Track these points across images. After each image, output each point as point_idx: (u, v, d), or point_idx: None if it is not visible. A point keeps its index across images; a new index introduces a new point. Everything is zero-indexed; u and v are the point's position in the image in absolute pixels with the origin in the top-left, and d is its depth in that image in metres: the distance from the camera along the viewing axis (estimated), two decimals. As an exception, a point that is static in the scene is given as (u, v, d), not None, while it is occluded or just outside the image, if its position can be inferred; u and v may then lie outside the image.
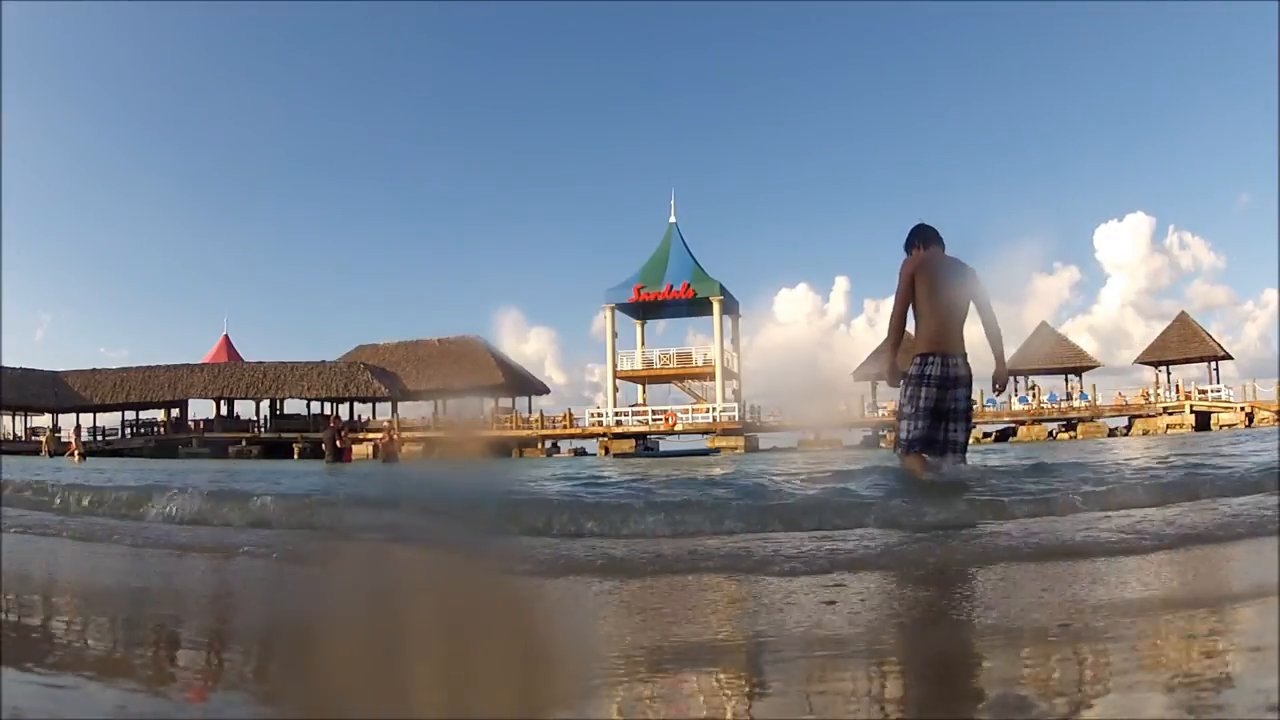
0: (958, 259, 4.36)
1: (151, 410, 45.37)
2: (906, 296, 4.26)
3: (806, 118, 76.09)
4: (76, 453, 27.15)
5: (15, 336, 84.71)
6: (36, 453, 34.58)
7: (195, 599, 2.30)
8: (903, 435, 4.23)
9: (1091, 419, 37.93)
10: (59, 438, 37.01)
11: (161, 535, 3.45)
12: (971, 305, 4.31)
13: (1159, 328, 43.77)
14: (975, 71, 74.40)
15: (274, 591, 2.47)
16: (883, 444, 37.71)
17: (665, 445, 39.10)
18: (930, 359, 4.14)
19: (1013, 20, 69.99)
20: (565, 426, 41.52)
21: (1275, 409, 34.32)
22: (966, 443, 4.25)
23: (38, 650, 1.55)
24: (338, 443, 18.42)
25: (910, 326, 4.43)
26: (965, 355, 4.19)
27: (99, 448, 38.00)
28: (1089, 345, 43.71)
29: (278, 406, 45.48)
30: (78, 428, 37.51)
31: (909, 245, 4.41)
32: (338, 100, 78.83)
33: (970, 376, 4.21)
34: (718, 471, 8.54)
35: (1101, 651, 1.40)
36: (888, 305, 4.80)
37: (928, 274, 4.23)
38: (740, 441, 36.46)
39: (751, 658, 1.54)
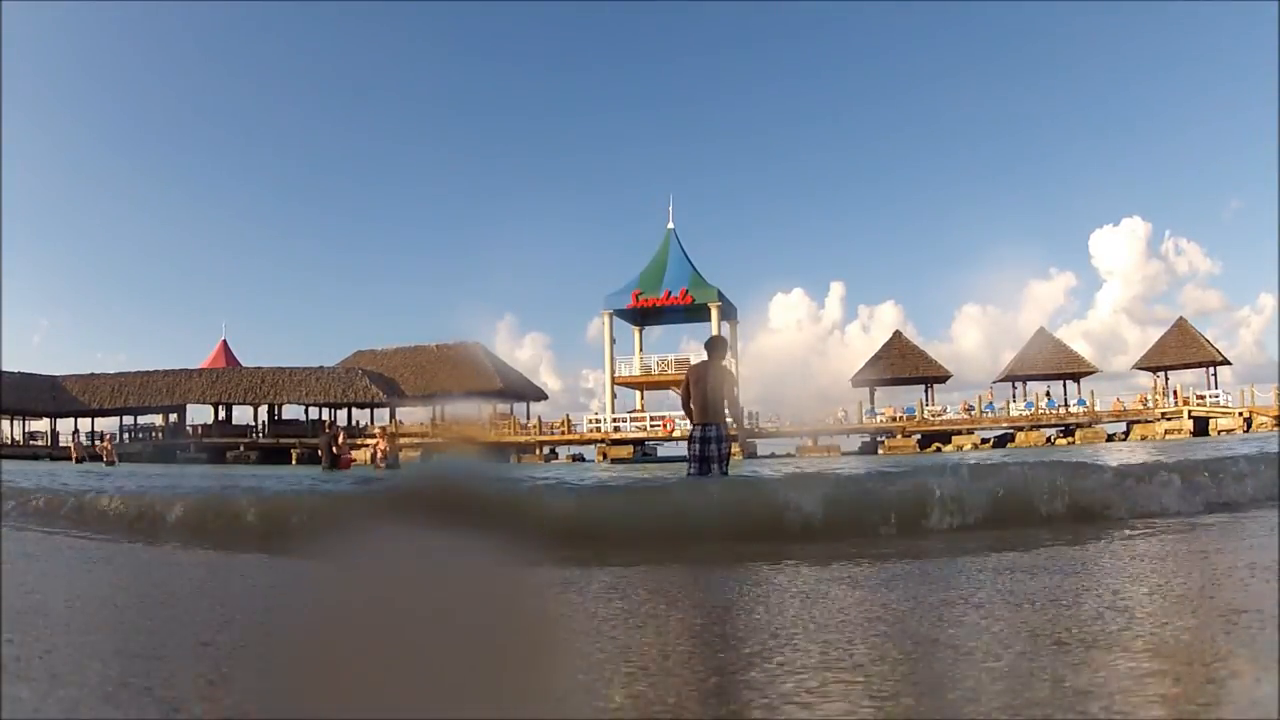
0: (722, 365, 6.66)
1: (149, 415, 45.36)
2: (687, 391, 6.58)
3: (803, 123, 76.19)
4: (109, 457, 28.41)
5: (12, 340, 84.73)
6: (66, 457, 34.43)
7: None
8: (689, 470, 6.49)
9: (1089, 424, 37.91)
10: (84, 442, 37.04)
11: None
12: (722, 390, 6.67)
13: (1153, 333, 43.81)
14: (972, 77, 74.58)
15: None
16: (881, 450, 37.73)
17: (664, 451, 39.03)
18: (705, 426, 6.43)
19: (1010, 25, 70.12)
20: (563, 432, 41.50)
21: (1274, 414, 34.30)
22: (725, 473, 6.52)
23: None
24: (334, 449, 18.45)
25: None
26: (724, 422, 6.53)
27: (95, 452, 37.91)
28: (1084, 351, 43.67)
29: (276, 412, 45.42)
30: (104, 433, 37.81)
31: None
32: (336, 105, 78.84)
33: (726, 435, 6.54)
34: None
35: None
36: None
37: (698, 375, 6.56)
38: (738, 448, 36.34)
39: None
